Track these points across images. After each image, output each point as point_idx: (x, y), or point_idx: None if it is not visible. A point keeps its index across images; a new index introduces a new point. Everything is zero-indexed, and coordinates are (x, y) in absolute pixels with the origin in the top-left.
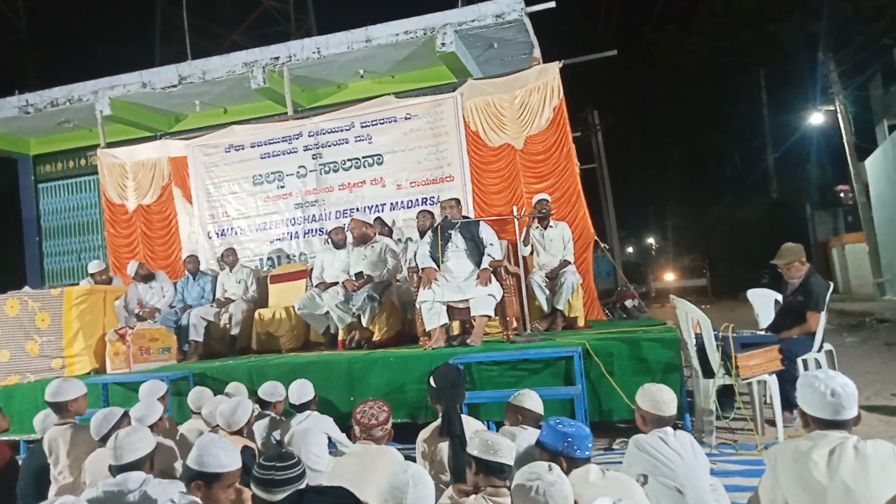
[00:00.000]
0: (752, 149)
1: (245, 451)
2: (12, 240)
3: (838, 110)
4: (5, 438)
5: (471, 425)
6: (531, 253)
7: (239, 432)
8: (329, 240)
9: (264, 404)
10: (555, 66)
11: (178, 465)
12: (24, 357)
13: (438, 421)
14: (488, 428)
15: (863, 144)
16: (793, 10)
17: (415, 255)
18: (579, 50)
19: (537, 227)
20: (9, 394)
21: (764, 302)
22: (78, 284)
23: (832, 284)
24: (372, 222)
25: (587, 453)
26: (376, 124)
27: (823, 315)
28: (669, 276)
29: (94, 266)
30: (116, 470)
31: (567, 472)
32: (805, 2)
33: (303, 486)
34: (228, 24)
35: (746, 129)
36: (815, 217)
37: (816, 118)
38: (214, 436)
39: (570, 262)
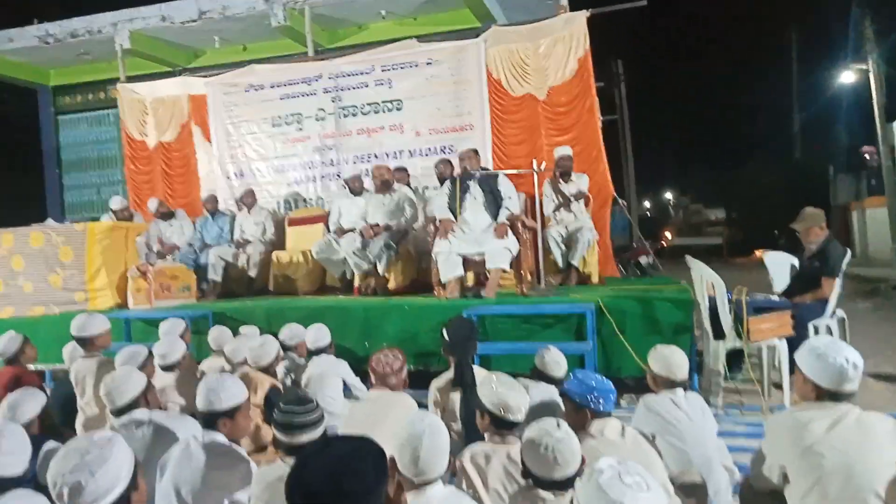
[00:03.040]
0: (778, 107)
1: (273, 391)
2: (33, 171)
3: (870, 69)
4: (33, 368)
5: (482, 377)
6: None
7: (266, 369)
8: (346, 186)
9: (286, 348)
10: (582, 16)
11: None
12: (47, 289)
13: (451, 371)
14: None
15: (894, 106)
16: None
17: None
18: None
19: (558, 181)
20: (35, 324)
21: (780, 266)
22: (98, 218)
23: (849, 252)
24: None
25: (610, 407)
26: (397, 69)
27: (838, 281)
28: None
29: (116, 202)
30: (116, 413)
31: (589, 424)
32: None
33: (321, 429)
34: None
35: (774, 87)
36: (837, 179)
37: (847, 76)
38: (214, 375)
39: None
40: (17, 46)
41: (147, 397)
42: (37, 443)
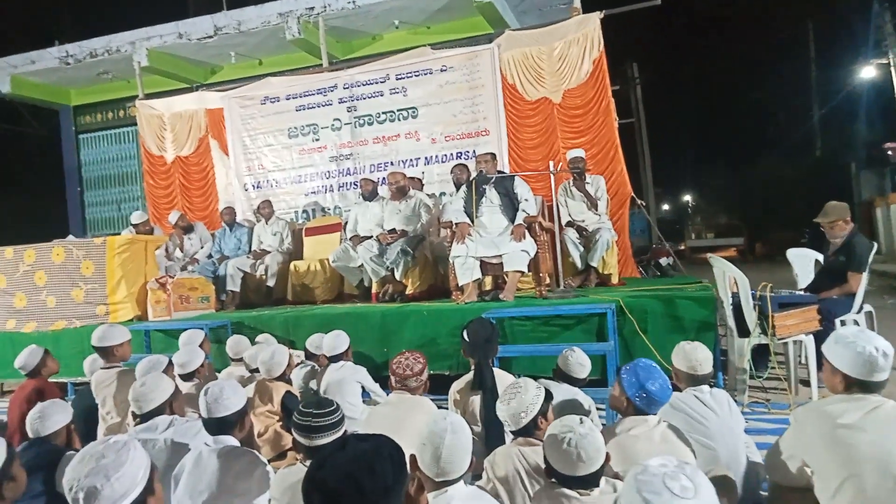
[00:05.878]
0: (796, 105)
1: (289, 396)
2: (55, 189)
3: (892, 63)
4: (55, 380)
5: (502, 379)
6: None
7: (280, 378)
8: (360, 191)
9: (309, 355)
10: (595, 17)
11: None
12: (69, 303)
13: (471, 373)
14: None
15: None
16: None
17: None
18: None
19: (574, 183)
20: (56, 338)
21: (804, 262)
22: (119, 234)
23: (876, 245)
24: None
25: (655, 410)
26: (411, 76)
27: (865, 276)
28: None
29: (136, 217)
30: (141, 418)
31: (620, 421)
32: None
33: (341, 432)
34: None
35: (791, 84)
36: (860, 176)
37: (867, 72)
38: (214, 384)
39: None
40: (39, 68)
41: (173, 404)
42: (62, 454)
